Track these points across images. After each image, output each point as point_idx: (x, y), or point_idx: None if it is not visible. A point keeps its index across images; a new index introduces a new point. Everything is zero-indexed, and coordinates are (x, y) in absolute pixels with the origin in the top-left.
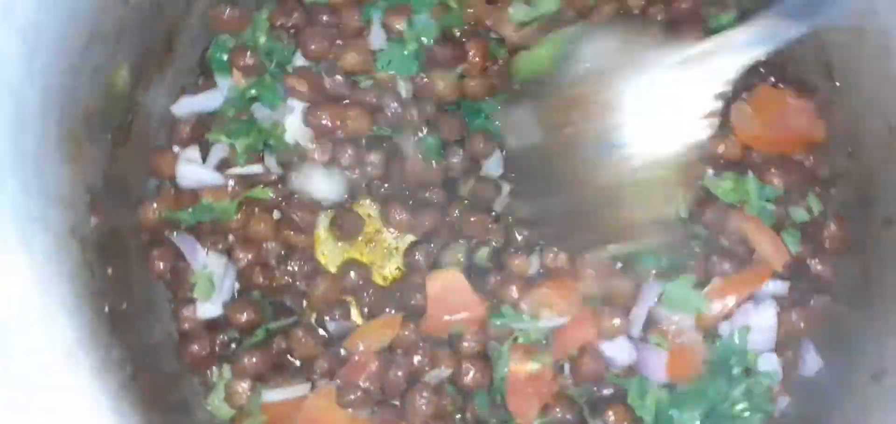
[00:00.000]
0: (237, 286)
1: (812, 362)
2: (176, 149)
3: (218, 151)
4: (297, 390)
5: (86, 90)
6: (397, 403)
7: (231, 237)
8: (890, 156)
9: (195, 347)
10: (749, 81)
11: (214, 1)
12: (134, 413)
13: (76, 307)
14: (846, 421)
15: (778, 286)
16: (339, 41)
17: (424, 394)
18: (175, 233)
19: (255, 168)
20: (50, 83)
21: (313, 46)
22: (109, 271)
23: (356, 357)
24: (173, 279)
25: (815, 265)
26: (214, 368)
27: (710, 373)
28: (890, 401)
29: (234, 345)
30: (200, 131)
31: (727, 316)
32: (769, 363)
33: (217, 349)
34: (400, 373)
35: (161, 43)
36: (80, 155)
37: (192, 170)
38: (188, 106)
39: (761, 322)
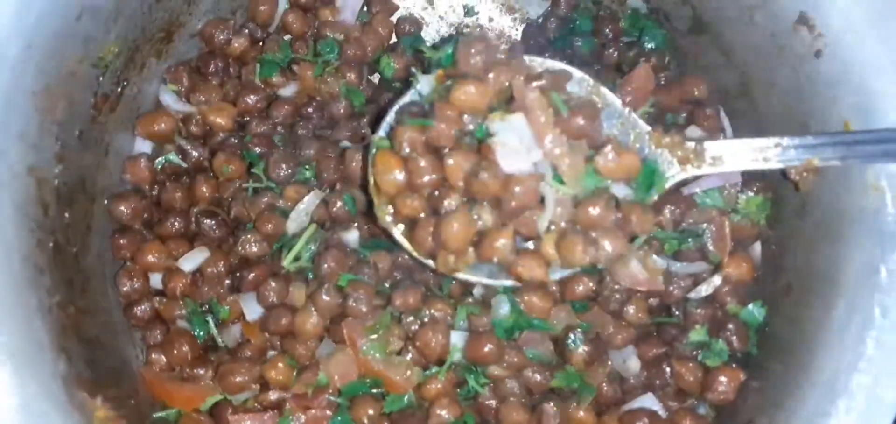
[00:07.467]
0: None
1: None
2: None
3: None
4: None
5: (72, 55)
6: None
7: None
8: None
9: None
10: None
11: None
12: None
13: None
14: None
15: None
16: None
17: None
18: None
19: None
20: (35, 39)
21: None
22: (67, 215)
23: None
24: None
25: None
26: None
27: None
28: None
29: None
30: None
31: None
32: None
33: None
34: None
35: (160, 32)
36: (53, 108)
37: None
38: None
39: None
